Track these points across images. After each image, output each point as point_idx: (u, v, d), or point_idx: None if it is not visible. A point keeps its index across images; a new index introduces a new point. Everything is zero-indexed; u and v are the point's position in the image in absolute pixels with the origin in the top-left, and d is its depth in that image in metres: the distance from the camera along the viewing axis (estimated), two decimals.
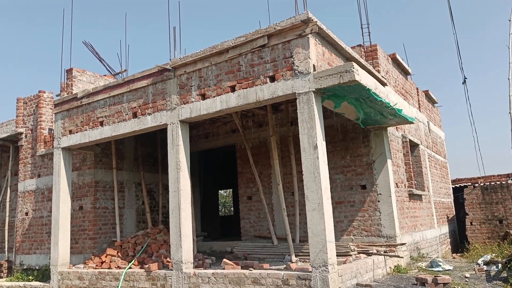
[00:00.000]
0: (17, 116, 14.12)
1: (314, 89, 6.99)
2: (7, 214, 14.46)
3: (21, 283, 11.35)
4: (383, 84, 9.78)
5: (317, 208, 6.74)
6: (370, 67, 9.38)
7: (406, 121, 9.40)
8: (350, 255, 8.38)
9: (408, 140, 11.33)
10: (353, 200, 9.99)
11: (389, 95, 8.18)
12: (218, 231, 17.66)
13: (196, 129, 12.92)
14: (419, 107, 13.64)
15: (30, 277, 11.87)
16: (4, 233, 14.38)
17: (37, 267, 12.62)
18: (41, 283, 10.96)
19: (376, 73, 9.55)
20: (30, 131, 13.76)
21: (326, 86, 6.91)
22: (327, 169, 7.02)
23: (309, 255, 8.41)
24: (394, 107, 8.01)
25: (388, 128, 9.99)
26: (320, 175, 6.77)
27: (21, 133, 13.89)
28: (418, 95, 13.69)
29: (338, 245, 8.52)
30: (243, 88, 7.81)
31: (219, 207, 21.42)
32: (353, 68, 6.65)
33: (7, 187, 14.77)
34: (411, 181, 11.10)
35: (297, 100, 7.13)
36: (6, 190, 14.80)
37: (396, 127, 10.76)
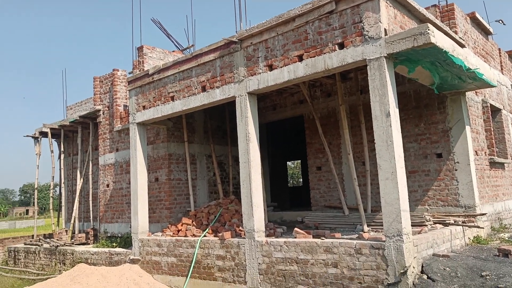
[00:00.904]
0: (95, 94, 14.93)
1: (385, 54, 6.69)
2: (90, 186, 15.52)
3: (106, 249, 12.23)
4: (461, 45, 9.15)
5: (390, 177, 6.55)
6: (447, 28, 8.79)
7: (487, 84, 8.79)
8: (425, 225, 8.11)
9: (488, 105, 10.61)
10: (428, 169, 9.60)
11: (468, 57, 7.65)
12: (287, 202, 17.82)
13: (264, 101, 12.95)
14: (502, 69, 12.66)
15: (114, 244, 12.75)
16: (89, 203, 15.48)
17: (119, 235, 13.52)
18: (124, 249, 11.75)
19: (453, 35, 8.94)
20: (107, 108, 14.51)
21: (399, 51, 6.59)
22: (400, 137, 6.78)
23: (381, 225, 8.29)
24: (474, 70, 7.49)
25: (467, 93, 9.40)
26: (393, 144, 6.55)
27: (98, 110, 14.70)
28: (500, 56, 12.70)
29: (412, 215, 8.26)
30: (310, 57, 7.66)
31: (288, 178, 21.53)
32: (428, 29, 6.27)
33: (89, 161, 15.80)
34: (492, 148, 10.44)
35: (368, 67, 6.88)
36: (88, 164, 15.84)
37: (475, 92, 10.09)
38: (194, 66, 9.85)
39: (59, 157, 17.43)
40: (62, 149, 17.22)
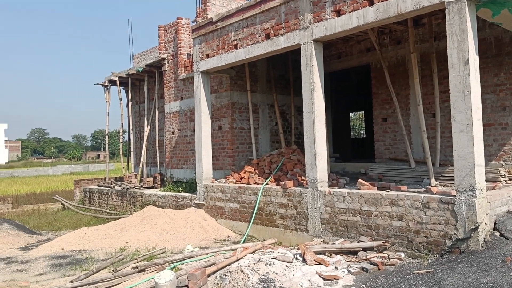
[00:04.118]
0: (159, 43, 15.13)
1: None
2: (157, 133, 16.11)
3: (173, 193, 12.80)
4: None
5: (465, 129, 6.19)
6: None
7: None
8: (500, 181, 7.72)
9: None
10: (505, 123, 9.00)
11: None
12: (349, 153, 17.58)
13: (328, 49, 12.53)
14: None
15: (180, 189, 13.31)
16: (156, 150, 16.14)
17: (184, 180, 14.06)
18: (189, 194, 12.24)
19: None
20: (171, 56, 14.71)
21: None
22: (479, 87, 6.33)
23: (450, 180, 7.99)
24: None
25: None
26: (471, 94, 6.13)
27: (163, 59, 14.95)
28: None
29: (486, 170, 7.83)
30: (382, 1, 7.20)
31: (350, 129, 21.15)
32: None
33: (155, 109, 16.31)
34: None
35: (446, 10, 6.37)
36: (155, 112, 16.37)
37: None
38: (258, 13, 9.63)
39: (127, 105, 18.14)
40: (129, 97, 17.88)
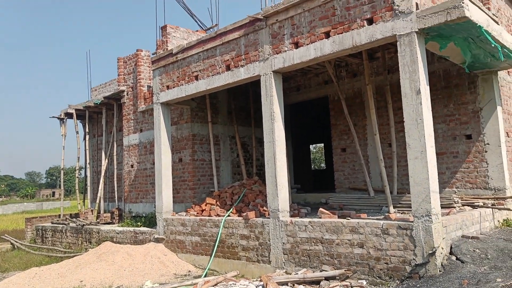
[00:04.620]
0: (119, 75, 15.01)
1: (417, 30, 6.48)
2: (115, 167, 15.72)
3: (131, 228, 12.41)
4: (495, 22, 8.81)
5: (419, 156, 6.40)
6: (480, 4, 8.45)
7: None
8: (454, 207, 7.95)
9: None
10: (456, 151, 9.37)
11: (502, 34, 7.37)
12: (310, 184, 17.75)
13: (288, 81, 12.80)
14: None
15: (139, 223, 12.93)
16: (114, 184, 15.70)
17: (143, 215, 13.69)
18: (148, 229, 11.91)
19: (486, 11, 8.60)
20: (130, 88, 14.59)
21: (431, 26, 6.37)
22: (430, 115, 6.59)
23: (407, 207, 8.18)
24: (509, 47, 7.21)
25: (498, 72, 9.09)
26: (423, 122, 6.37)
27: (123, 91, 14.80)
28: None
29: (440, 196, 8.08)
30: (338, 34, 7.48)
31: (310, 161, 21.43)
32: (463, 2, 6.03)
33: (114, 142, 15.98)
34: None
35: (398, 43, 6.68)
36: (113, 145, 16.03)
37: (508, 71, 9.76)
38: (218, 45, 9.77)
39: (84, 138, 17.67)
40: (87, 130, 17.44)
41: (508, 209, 8.25)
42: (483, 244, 6.76)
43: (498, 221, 8.39)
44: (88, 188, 17.71)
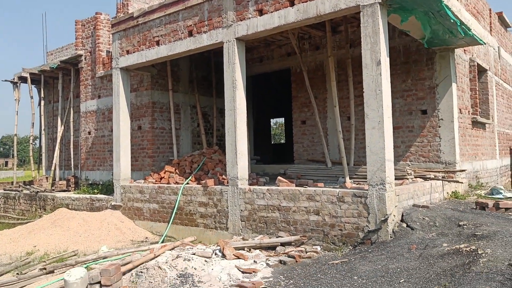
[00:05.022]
0: (76, 38, 14.44)
1: (380, 1, 6.55)
2: (72, 134, 15.26)
3: (88, 195, 12.18)
4: None
5: (377, 126, 6.56)
6: None
7: (476, 42, 8.77)
8: (407, 179, 8.24)
9: (476, 64, 10.62)
10: (412, 125, 9.67)
11: (461, 11, 7.57)
12: (270, 157, 17.89)
13: (251, 52, 12.70)
14: (491, 30, 12.61)
15: (95, 191, 12.69)
16: (70, 151, 15.27)
17: (100, 182, 13.44)
18: (105, 196, 11.71)
19: None
20: (89, 53, 14.08)
21: None
22: (389, 86, 6.75)
23: (363, 178, 8.40)
24: (466, 23, 7.42)
25: (455, 50, 9.37)
26: (382, 93, 6.51)
27: (80, 55, 14.27)
28: (490, 17, 12.61)
29: (395, 168, 8.35)
30: (302, 2, 7.45)
31: (271, 135, 21.58)
32: None
33: (70, 108, 15.47)
34: (475, 108, 10.54)
35: (361, 13, 6.74)
36: (70, 112, 15.52)
37: (464, 50, 10.07)
38: (181, 10, 9.53)
39: (39, 104, 17.00)
40: (42, 96, 16.77)
41: (457, 182, 8.64)
42: (432, 213, 7.08)
43: (447, 192, 8.78)
44: (43, 155, 17.15)
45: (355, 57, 10.10)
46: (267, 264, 6.50)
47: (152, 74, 11.88)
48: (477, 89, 10.69)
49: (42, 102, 16.80)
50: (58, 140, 15.58)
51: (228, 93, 8.63)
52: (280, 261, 6.56)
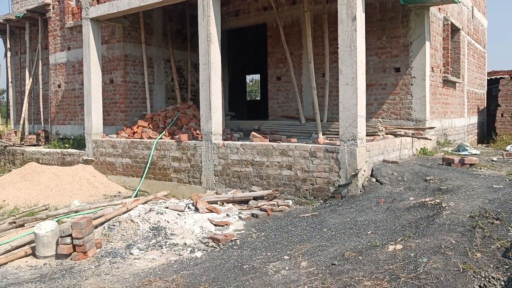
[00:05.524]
0: None
1: None
2: (41, 87, 14.80)
3: (59, 150, 11.99)
4: None
5: (350, 82, 6.60)
6: None
7: (451, 0, 8.76)
8: (378, 135, 8.41)
9: (450, 23, 10.66)
10: (385, 83, 9.76)
11: None
12: (245, 113, 17.87)
13: (226, 5, 12.39)
14: None
15: (66, 145, 12.50)
16: (39, 105, 14.86)
17: (72, 137, 13.21)
18: (77, 150, 11.55)
19: None
20: (57, 2, 13.46)
21: None
22: (364, 43, 6.74)
23: (336, 135, 8.53)
24: None
25: (431, 8, 9.36)
26: (357, 49, 6.51)
27: (48, 4, 13.63)
28: None
29: (366, 125, 8.47)
30: None
31: (246, 92, 21.45)
32: None
33: (39, 60, 14.92)
34: (447, 67, 10.68)
35: None
36: (38, 64, 14.98)
37: (439, 8, 10.07)
38: None
39: (5, 55, 16.30)
40: (8, 47, 16.06)
41: (426, 138, 8.87)
42: (401, 168, 7.29)
43: (416, 149, 9.02)
44: (11, 109, 16.65)
45: (331, 13, 9.98)
46: (240, 217, 6.63)
47: (124, 25, 11.49)
48: (450, 48, 10.80)
49: (9, 54, 16.11)
50: (27, 93, 15.11)
51: (202, 47, 8.46)
52: (252, 214, 6.70)
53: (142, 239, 5.91)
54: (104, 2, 10.23)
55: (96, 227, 6.25)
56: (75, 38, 12.96)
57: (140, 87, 11.91)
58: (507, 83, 14.66)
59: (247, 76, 22.77)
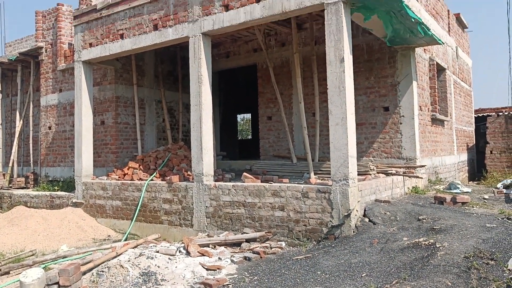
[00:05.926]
0: (37, 30, 13.95)
1: None
2: (31, 128, 14.76)
3: (47, 193, 11.82)
4: None
5: (340, 122, 6.65)
6: None
7: (435, 41, 9.03)
8: (370, 174, 8.41)
9: (435, 63, 10.94)
10: (375, 122, 9.87)
11: (421, 11, 7.77)
12: (236, 153, 17.89)
13: (217, 47, 12.64)
14: (449, 30, 13.03)
15: (56, 188, 12.34)
16: (29, 147, 14.77)
17: (61, 179, 13.07)
18: (66, 193, 11.40)
19: None
20: (50, 45, 13.64)
21: None
22: (352, 83, 6.85)
23: (328, 174, 8.52)
24: (426, 23, 7.62)
25: (416, 49, 9.61)
26: (345, 89, 6.61)
27: (41, 48, 13.80)
28: (448, 17, 13.03)
29: (358, 164, 8.51)
30: None
31: (237, 131, 21.55)
32: None
33: (30, 102, 14.94)
34: (435, 105, 10.86)
35: (325, 11, 6.81)
36: (29, 106, 14.99)
37: (424, 49, 10.35)
38: (146, 3, 9.36)
39: None
40: None
41: (417, 177, 8.90)
42: (393, 208, 7.26)
43: (408, 187, 9.03)
44: (0, 151, 16.49)
45: (320, 54, 10.20)
46: (232, 260, 6.50)
47: (116, 68, 11.63)
48: (436, 87, 11.03)
49: (0, 96, 16.15)
50: (17, 135, 15.04)
51: (193, 88, 8.55)
52: (245, 258, 6.57)
53: (131, 285, 5.74)
54: (96, 46, 10.38)
55: (84, 273, 6.07)
56: (67, 80, 13.05)
57: (131, 128, 11.93)
58: (494, 121, 14.92)
59: (238, 115, 22.96)
